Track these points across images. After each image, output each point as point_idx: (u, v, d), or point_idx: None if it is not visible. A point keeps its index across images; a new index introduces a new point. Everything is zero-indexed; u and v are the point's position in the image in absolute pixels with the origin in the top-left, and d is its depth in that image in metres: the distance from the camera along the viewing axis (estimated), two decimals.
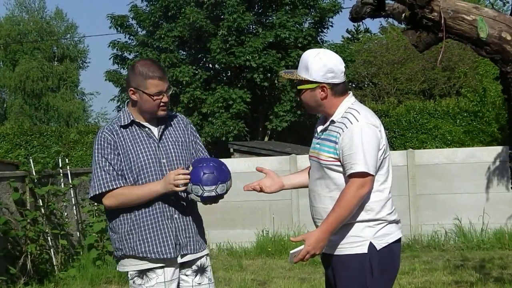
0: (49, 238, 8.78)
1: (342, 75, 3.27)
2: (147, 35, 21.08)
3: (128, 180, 3.42)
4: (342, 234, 3.21)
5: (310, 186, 3.42)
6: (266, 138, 20.54)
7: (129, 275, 3.49)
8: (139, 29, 21.80)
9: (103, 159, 3.42)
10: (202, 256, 3.58)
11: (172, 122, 3.60)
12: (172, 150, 3.49)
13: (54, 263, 8.76)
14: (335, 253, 3.25)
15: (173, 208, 3.44)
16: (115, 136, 3.45)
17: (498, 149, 11.01)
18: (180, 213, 3.46)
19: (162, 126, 3.54)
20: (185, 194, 3.42)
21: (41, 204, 8.73)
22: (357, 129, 3.14)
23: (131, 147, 3.44)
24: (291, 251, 3.20)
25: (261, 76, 19.52)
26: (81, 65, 43.83)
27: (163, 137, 3.52)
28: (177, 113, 3.72)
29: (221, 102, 19.42)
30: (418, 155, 11.07)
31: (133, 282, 3.46)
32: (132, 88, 3.46)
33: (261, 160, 11.69)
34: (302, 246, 3.15)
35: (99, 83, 77.19)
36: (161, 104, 3.45)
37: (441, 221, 10.68)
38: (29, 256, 8.16)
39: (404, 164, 10.89)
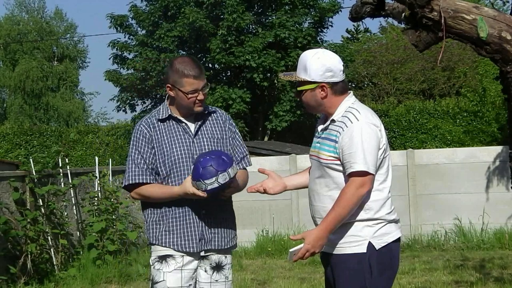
0: (49, 237, 8.78)
1: (341, 74, 3.28)
2: (146, 35, 21.07)
3: (161, 173, 3.52)
4: (341, 233, 3.21)
5: (309, 185, 3.42)
6: (266, 138, 20.54)
7: (150, 261, 3.59)
8: (138, 29, 21.79)
9: (137, 152, 3.54)
10: (227, 250, 3.61)
11: (210, 118, 3.66)
12: (206, 146, 3.55)
13: (54, 263, 8.76)
14: (334, 252, 3.25)
15: (202, 204, 3.48)
16: (151, 130, 3.55)
17: (498, 149, 11.01)
18: (210, 210, 3.51)
19: (199, 122, 3.60)
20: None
21: (41, 203, 8.73)
22: (357, 128, 3.15)
23: (166, 141, 3.53)
24: (290, 250, 3.21)
25: (261, 76, 19.52)
26: (80, 65, 43.87)
27: (199, 132, 3.59)
28: (217, 109, 3.77)
29: (220, 102, 19.41)
30: (418, 155, 11.06)
31: (153, 267, 3.56)
32: (169, 85, 3.55)
33: (261, 160, 11.68)
34: (302, 245, 3.16)
35: (98, 83, 77.24)
36: (197, 101, 3.51)
37: (441, 221, 10.68)
38: (29, 256, 8.16)
39: (404, 164, 10.89)
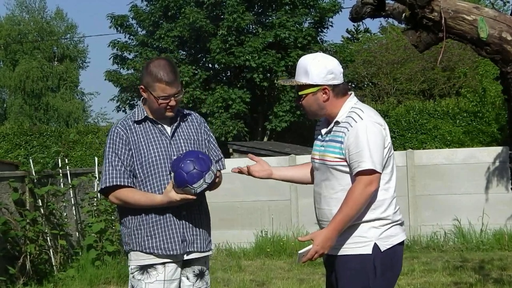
0: (48, 238, 8.77)
1: (341, 76, 3.29)
2: (147, 35, 21.07)
3: (138, 176, 3.45)
4: (347, 234, 3.20)
5: (315, 188, 3.41)
6: (266, 138, 20.53)
7: (129, 269, 3.51)
8: (139, 29, 21.79)
9: (114, 154, 3.46)
10: (205, 257, 3.59)
11: (185, 120, 3.63)
12: (183, 148, 3.51)
13: (53, 263, 8.75)
14: (339, 254, 3.24)
15: (181, 205, 3.43)
16: (128, 132, 3.49)
17: (498, 149, 10.99)
18: (189, 211, 3.47)
19: (175, 124, 3.57)
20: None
21: (41, 204, 8.72)
22: (362, 127, 3.16)
23: (143, 143, 3.47)
24: (299, 252, 3.19)
25: (261, 76, 19.51)
26: (81, 65, 43.86)
27: (176, 134, 3.55)
28: (192, 112, 3.75)
29: (220, 102, 19.41)
30: (417, 156, 11.05)
31: (133, 276, 3.49)
32: (142, 86, 3.51)
33: None
34: (310, 246, 3.14)
35: (98, 83, 77.22)
36: (168, 107, 3.47)
37: (441, 221, 10.67)
38: (28, 256, 8.15)
39: (404, 165, 10.88)
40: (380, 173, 3.16)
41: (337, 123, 3.27)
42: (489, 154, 10.84)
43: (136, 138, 3.47)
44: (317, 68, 3.23)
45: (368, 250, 3.17)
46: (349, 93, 3.34)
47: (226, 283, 8.31)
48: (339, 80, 3.27)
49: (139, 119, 3.52)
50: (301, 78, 3.28)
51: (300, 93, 3.30)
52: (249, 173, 3.57)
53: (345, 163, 3.20)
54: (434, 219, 10.73)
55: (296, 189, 10.97)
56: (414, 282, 7.89)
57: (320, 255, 3.15)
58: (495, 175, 10.69)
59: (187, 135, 3.57)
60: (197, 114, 3.74)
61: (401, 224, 3.30)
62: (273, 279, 8.50)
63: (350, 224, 3.17)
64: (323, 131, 3.37)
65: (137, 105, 3.62)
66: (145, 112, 3.53)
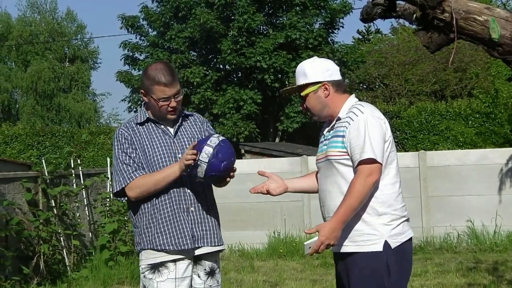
0: (61, 238, 8.82)
1: (338, 73, 3.44)
2: (157, 36, 21.13)
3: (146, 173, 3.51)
4: (356, 231, 3.22)
5: (320, 186, 3.46)
6: (277, 139, 20.54)
7: (140, 269, 3.54)
8: (149, 30, 21.87)
9: (123, 154, 3.51)
10: (216, 254, 3.61)
11: (188, 121, 3.68)
12: (187, 146, 3.53)
13: (67, 264, 8.80)
14: (349, 251, 3.25)
15: (189, 202, 3.49)
16: (132, 133, 3.54)
17: (510, 150, 10.93)
18: (197, 207, 3.51)
19: (177, 124, 3.61)
20: (197, 180, 3.45)
21: (54, 204, 8.78)
22: (363, 120, 3.24)
23: (147, 142, 3.52)
24: (305, 243, 3.21)
25: (272, 77, 19.52)
26: (92, 65, 44.02)
27: (178, 133, 3.59)
28: (194, 113, 3.79)
29: (231, 103, 19.43)
30: (429, 157, 11.02)
31: (144, 276, 3.51)
32: (142, 91, 3.58)
33: (272, 161, 11.68)
34: (316, 238, 3.17)
35: (110, 84, 77.48)
36: (169, 109, 3.52)
37: (453, 223, 10.62)
38: (42, 257, 8.20)
39: (416, 166, 10.84)
40: (381, 164, 3.20)
41: (339, 119, 3.36)
42: (501, 155, 10.78)
43: (140, 138, 3.53)
44: (314, 67, 3.40)
45: (379, 248, 3.19)
46: (350, 93, 3.46)
47: (239, 283, 8.32)
48: (337, 76, 3.41)
49: (142, 121, 3.58)
50: (300, 80, 3.43)
51: (302, 94, 3.41)
52: (268, 192, 3.61)
53: (347, 157, 3.26)
54: (447, 220, 10.69)
55: None
56: (427, 283, 7.88)
57: (326, 247, 3.17)
58: (508, 176, 10.63)
59: (190, 134, 3.62)
60: (199, 115, 3.78)
61: (408, 220, 3.34)
62: (286, 279, 8.50)
63: (362, 220, 3.20)
64: (325, 130, 3.46)
65: (140, 108, 3.69)
66: (147, 114, 3.59)
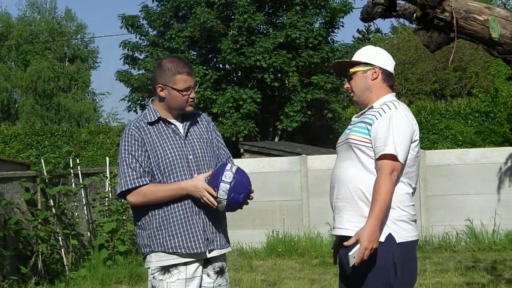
0: (60, 238, 8.81)
1: (392, 68, 3.50)
2: (158, 35, 21.13)
3: (156, 176, 3.43)
4: (363, 217, 3.21)
5: (333, 173, 3.47)
6: (277, 139, 20.53)
7: (149, 271, 3.48)
8: (150, 29, 21.86)
9: (130, 156, 3.42)
10: (225, 254, 3.65)
11: (196, 119, 3.64)
12: (197, 147, 3.51)
13: (65, 263, 8.79)
14: (350, 234, 3.22)
15: (201, 204, 3.44)
16: (142, 133, 3.46)
17: (510, 149, 10.93)
18: (207, 210, 3.47)
19: (187, 123, 3.56)
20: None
21: (52, 204, 8.77)
22: (394, 115, 3.27)
23: (158, 144, 3.45)
24: (349, 254, 3.17)
25: (272, 76, 19.51)
26: (92, 65, 44.00)
27: (189, 133, 3.55)
28: (199, 111, 3.75)
29: (231, 102, 19.43)
30: (429, 156, 11.02)
31: (154, 277, 3.46)
32: (160, 85, 3.48)
33: (272, 160, 11.66)
34: (358, 246, 3.14)
35: (110, 83, 77.43)
36: (190, 99, 3.48)
37: (452, 222, 10.63)
38: (40, 256, 8.19)
39: None
40: (402, 164, 3.22)
41: (371, 107, 3.39)
42: (501, 154, 10.78)
43: (151, 139, 3.45)
44: (372, 51, 3.50)
45: (381, 239, 3.19)
46: (393, 91, 3.52)
47: (238, 283, 8.31)
48: (389, 68, 3.47)
49: (152, 120, 3.49)
50: (355, 57, 3.50)
51: (351, 70, 3.47)
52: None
53: (369, 145, 3.27)
54: (446, 219, 10.70)
55: (307, 190, 10.96)
56: (426, 282, 7.87)
57: (370, 251, 3.15)
58: (507, 175, 10.64)
59: (199, 135, 3.58)
60: (205, 114, 3.76)
61: (415, 221, 3.35)
62: (285, 279, 8.50)
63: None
64: (355, 116, 3.51)
65: (147, 105, 3.59)
66: (157, 113, 3.51)
